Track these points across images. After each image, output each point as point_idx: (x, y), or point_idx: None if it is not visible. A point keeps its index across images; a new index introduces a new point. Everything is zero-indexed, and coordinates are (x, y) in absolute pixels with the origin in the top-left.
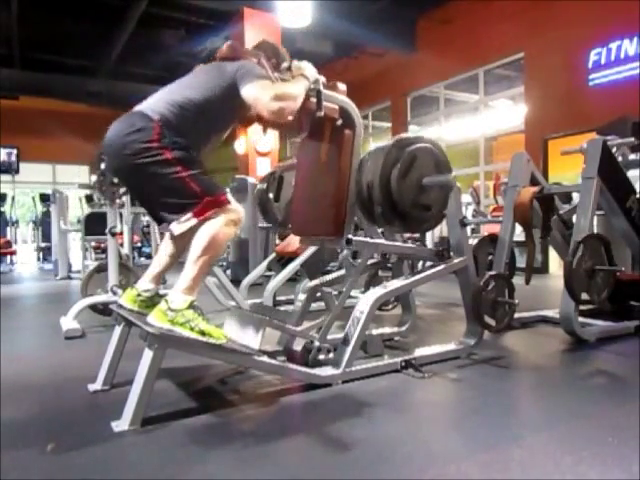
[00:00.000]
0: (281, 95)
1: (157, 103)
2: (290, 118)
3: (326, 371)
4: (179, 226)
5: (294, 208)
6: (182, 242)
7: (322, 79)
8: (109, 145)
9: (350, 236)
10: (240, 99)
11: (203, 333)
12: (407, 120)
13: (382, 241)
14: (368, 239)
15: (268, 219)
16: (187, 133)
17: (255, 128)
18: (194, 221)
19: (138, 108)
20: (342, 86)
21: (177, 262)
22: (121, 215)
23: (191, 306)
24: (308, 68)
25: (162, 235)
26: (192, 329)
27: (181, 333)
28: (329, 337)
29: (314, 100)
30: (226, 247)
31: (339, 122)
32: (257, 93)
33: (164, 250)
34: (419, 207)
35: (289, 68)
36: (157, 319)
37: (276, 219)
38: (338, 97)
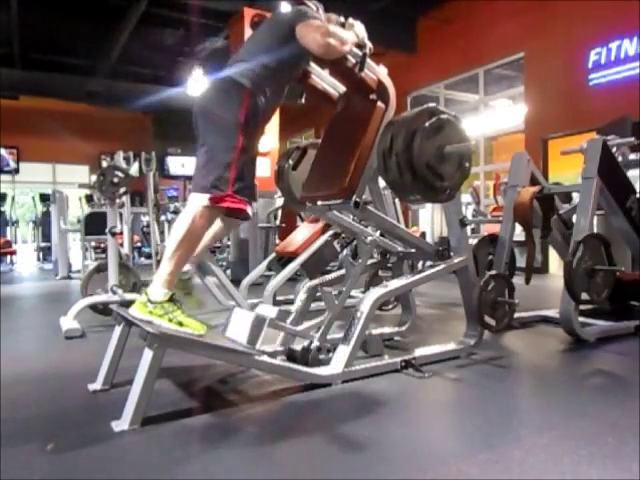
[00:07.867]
0: (332, 32)
1: (244, 67)
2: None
3: (326, 371)
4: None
5: (311, 171)
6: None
7: (370, 45)
8: (198, 107)
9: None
10: (297, 48)
11: (181, 324)
12: None
13: (387, 218)
14: (374, 209)
15: (283, 192)
16: (265, 97)
17: None
18: (206, 202)
19: (227, 73)
20: (383, 68)
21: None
22: (121, 215)
23: (172, 299)
24: (360, 28)
25: (163, 235)
26: (170, 320)
27: (160, 324)
28: (329, 337)
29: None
30: (201, 239)
31: (373, 96)
32: (309, 29)
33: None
34: (433, 172)
35: (343, 25)
36: (137, 310)
37: (291, 193)
38: (379, 71)
